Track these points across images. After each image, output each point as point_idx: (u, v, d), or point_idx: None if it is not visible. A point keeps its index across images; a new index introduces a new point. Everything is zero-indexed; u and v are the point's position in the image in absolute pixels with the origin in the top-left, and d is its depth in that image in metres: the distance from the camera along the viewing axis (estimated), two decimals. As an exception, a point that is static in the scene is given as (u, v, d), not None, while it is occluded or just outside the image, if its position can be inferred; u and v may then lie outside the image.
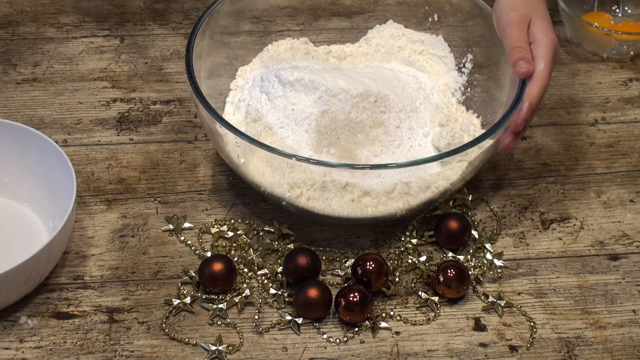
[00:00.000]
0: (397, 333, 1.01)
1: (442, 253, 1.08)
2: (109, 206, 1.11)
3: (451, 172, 1.04)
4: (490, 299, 1.03)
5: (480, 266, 1.06)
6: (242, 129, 1.07)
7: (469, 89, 1.19)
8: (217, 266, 1.01)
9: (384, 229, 1.10)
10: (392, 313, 1.02)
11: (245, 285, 1.03)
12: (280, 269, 1.04)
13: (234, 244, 1.07)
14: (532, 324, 1.01)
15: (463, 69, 1.20)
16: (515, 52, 1.05)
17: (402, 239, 1.08)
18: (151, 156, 1.17)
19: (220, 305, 1.01)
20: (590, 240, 1.10)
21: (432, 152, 1.10)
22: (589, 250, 1.09)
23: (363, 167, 1.02)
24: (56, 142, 1.05)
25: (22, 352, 0.98)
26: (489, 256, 1.07)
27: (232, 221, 1.09)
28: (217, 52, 1.16)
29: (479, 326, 1.01)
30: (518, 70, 1.04)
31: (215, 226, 1.09)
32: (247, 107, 1.12)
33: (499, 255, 1.07)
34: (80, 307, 1.01)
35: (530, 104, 1.04)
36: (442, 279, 1.02)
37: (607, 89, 1.28)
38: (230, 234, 1.08)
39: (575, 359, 0.98)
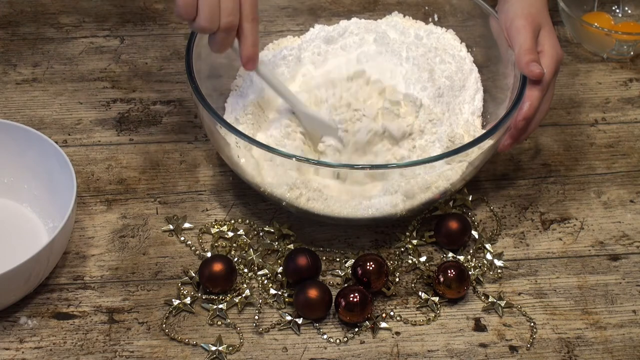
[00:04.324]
0: (397, 333, 1.01)
1: (442, 253, 1.08)
2: (109, 206, 1.11)
3: (451, 172, 1.04)
4: (491, 299, 1.03)
5: (480, 266, 1.06)
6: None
7: (469, 89, 1.19)
8: (217, 266, 1.01)
9: (384, 229, 1.10)
10: (392, 313, 1.02)
11: (245, 286, 1.03)
12: (280, 270, 1.04)
13: (234, 245, 1.07)
14: (532, 324, 1.01)
15: (463, 69, 1.20)
16: (528, 54, 1.06)
17: (402, 239, 1.08)
18: (151, 156, 1.17)
19: (220, 306, 1.01)
20: (590, 240, 1.10)
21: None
22: (589, 250, 1.09)
23: (363, 167, 1.02)
24: (56, 142, 1.05)
25: (22, 352, 0.98)
26: (489, 256, 1.07)
27: (232, 221, 1.09)
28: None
29: (479, 326, 1.01)
30: (532, 71, 1.05)
31: (215, 226, 1.09)
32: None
33: (499, 256, 1.07)
34: (80, 307, 1.01)
35: (531, 105, 1.05)
36: (442, 279, 1.02)
37: (607, 89, 1.28)
38: (230, 234, 1.08)
39: (575, 360, 0.99)
